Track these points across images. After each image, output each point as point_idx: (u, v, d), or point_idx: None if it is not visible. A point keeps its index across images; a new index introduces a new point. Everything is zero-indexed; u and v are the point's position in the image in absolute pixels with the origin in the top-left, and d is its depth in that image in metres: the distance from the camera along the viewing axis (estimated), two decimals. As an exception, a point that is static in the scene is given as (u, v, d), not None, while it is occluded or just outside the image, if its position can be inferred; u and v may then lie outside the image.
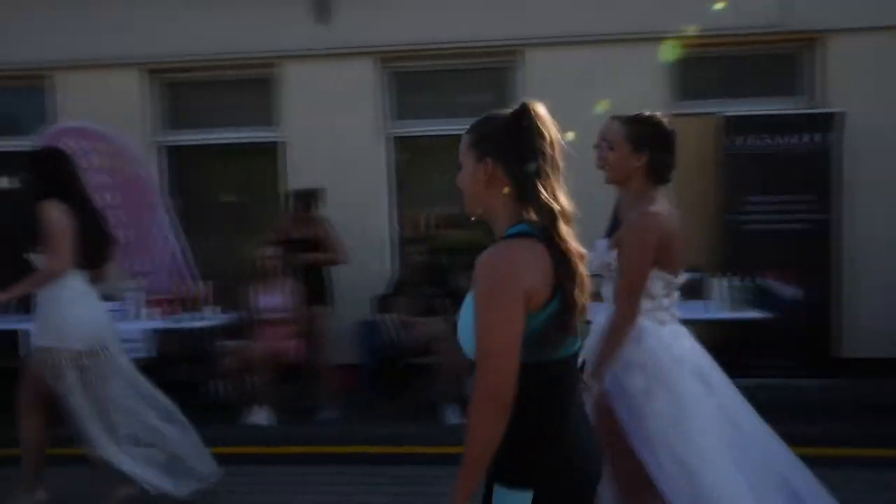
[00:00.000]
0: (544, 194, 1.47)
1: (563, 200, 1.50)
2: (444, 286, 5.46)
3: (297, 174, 6.07)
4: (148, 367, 4.54)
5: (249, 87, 6.56)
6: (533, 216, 1.48)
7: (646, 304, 2.36)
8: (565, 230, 1.49)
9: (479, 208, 1.58)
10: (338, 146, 6.11)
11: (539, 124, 1.49)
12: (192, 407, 3.80)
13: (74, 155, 5.44)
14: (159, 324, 5.46)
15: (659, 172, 2.40)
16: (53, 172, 3.39)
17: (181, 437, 3.55)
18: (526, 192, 1.48)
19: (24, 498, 3.36)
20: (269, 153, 6.39)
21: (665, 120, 2.45)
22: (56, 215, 3.21)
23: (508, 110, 1.54)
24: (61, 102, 6.39)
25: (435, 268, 5.70)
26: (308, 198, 5.45)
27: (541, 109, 1.51)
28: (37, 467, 3.40)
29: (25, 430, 3.37)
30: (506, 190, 1.50)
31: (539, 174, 1.47)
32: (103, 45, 6.25)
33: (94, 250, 3.37)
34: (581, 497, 1.52)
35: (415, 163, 6.76)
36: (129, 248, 5.52)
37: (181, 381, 5.26)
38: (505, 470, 1.46)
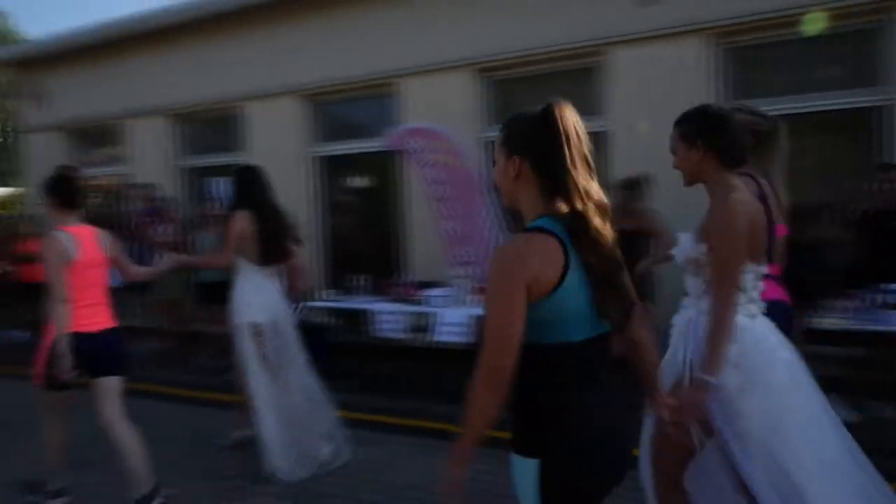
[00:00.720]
0: (572, 189, 1.59)
1: (592, 194, 1.61)
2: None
3: (627, 163, 5.81)
4: (469, 352, 4.82)
5: (573, 77, 6.53)
6: (563, 209, 1.60)
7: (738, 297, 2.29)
8: (597, 222, 1.61)
9: (512, 203, 1.71)
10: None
11: (564, 123, 1.59)
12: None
13: (418, 153, 6.00)
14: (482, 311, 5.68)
15: (723, 158, 2.33)
16: (246, 186, 4.19)
17: (319, 415, 4.17)
18: (553, 187, 1.61)
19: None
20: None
21: (714, 107, 2.47)
22: (239, 223, 4.04)
23: (536, 109, 1.65)
24: (405, 106, 7.08)
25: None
26: (633, 186, 5.13)
27: (566, 109, 1.62)
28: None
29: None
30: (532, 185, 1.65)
31: (566, 171, 1.59)
32: (439, 51, 6.79)
33: (271, 251, 4.15)
34: (591, 472, 1.63)
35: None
36: (458, 238, 5.88)
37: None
38: (518, 440, 1.64)
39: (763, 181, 2.75)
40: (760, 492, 2.20)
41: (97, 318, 3.59)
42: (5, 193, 17.06)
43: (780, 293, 2.81)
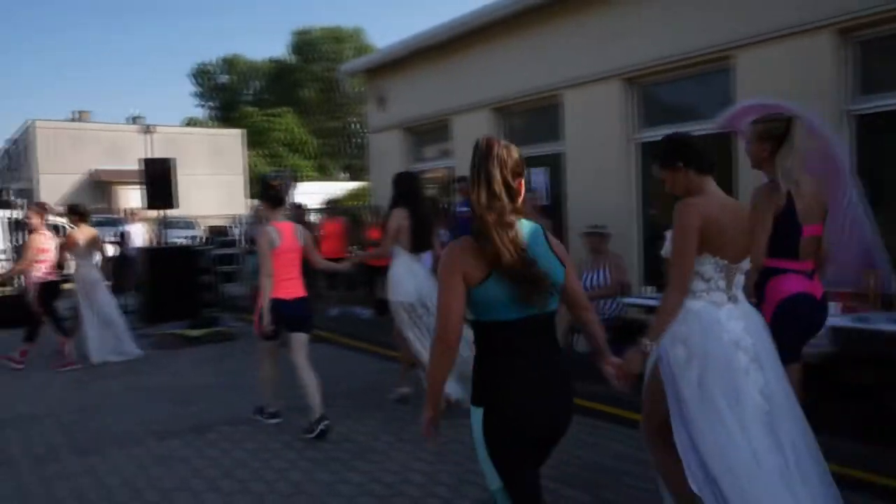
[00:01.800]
0: (482, 210, 2.09)
1: (506, 214, 2.07)
2: None
3: None
4: (822, 366, 4.16)
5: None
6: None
7: (699, 285, 2.67)
8: (504, 234, 2.06)
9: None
10: None
11: (494, 155, 2.12)
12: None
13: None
14: (839, 321, 4.72)
15: (700, 166, 2.72)
16: (404, 189, 5.15)
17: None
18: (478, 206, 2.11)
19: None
20: None
21: (674, 133, 2.91)
22: (396, 219, 5.03)
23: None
24: (742, 80, 6.24)
25: None
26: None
27: (493, 143, 2.15)
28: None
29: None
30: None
31: (488, 195, 2.09)
32: (787, 12, 5.80)
33: (420, 241, 5.08)
34: (518, 421, 2.11)
35: None
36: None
37: (860, 385, 4.61)
38: (472, 393, 2.17)
39: (791, 187, 3.09)
40: (683, 451, 2.57)
41: (292, 289, 4.81)
42: (357, 187, 19.64)
43: (805, 286, 3.16)
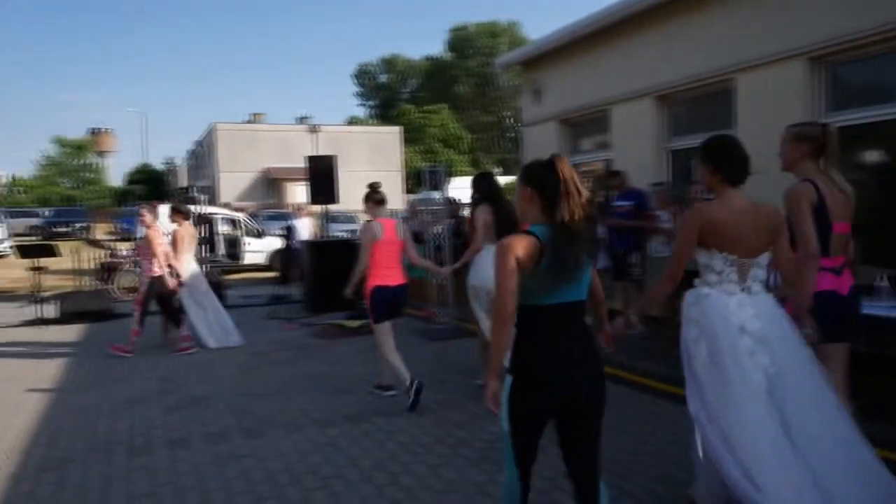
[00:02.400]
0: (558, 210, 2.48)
1: (567, 214, 2.46)
2: None
3: None
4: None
5: None
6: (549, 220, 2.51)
7: (711, 277, 3.09)
8: (571, 229, 2.47)
9: (523, 217, 2.66)
10: None
11: (558, 169, 2.52)
12: None
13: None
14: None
15: (726, 175, 3.11)
16: (486, 187, 5.66)
17: None
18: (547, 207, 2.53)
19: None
20: None
21: (717, 136, 3.31)
22: (482, 214, 5.50)
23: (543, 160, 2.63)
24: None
25: None
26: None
27: (560, 160, 2.57)
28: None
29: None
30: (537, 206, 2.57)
31: (556, 198, 2.49)
32: None
33: (502, 234, 4.76)
34: (537, 392, 2.49)
35: None
36: None
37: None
38: (510, 365, 2.55)
39: (822, 187, 3.38)
40: (696, 416, 2.96)
41: (394, 277, 5.45)
42: (510, 181, 19.54)
43: (832, 283, 3.42)
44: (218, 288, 11.53)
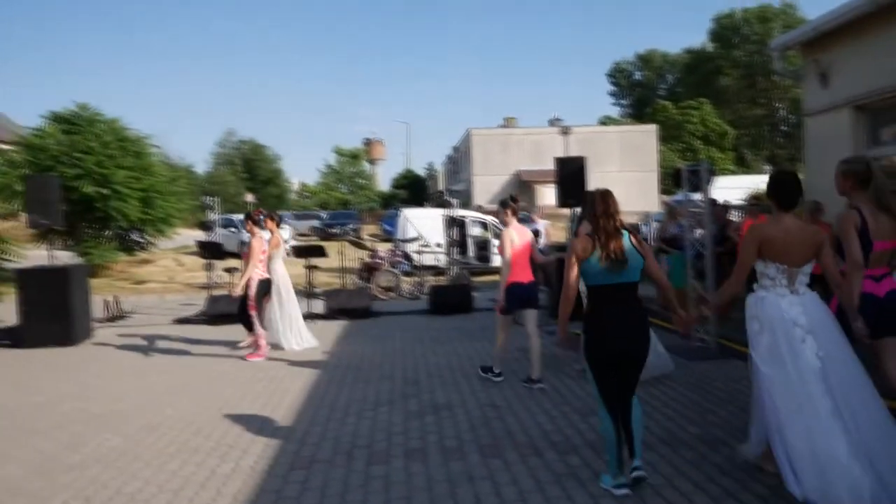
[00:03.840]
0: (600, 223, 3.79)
1: (608, 227, 3.75)
2: None
3: None
4: None
5: None
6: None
7: (766, 281, 3.86)
8: (607, 236, 3.74)
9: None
10: None
11: (598, 198, 3.87)
12: None
13: None
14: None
15: (778, 202, 3.92)
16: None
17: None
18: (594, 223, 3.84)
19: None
20: None
21: (777, 169, 4.72)
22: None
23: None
24: None
25: None
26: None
27: (602, 191, 3.92)
28: None
29: None
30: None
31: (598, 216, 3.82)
32: None
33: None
34: (604, 345, 3.73)
35: None
36: None
37: None
38: (583, 327, 3.81)
39: (865, 211, 4.22)
40: (759, 396, 3.81)
41: (525, 275, 6.30)
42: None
43: (871, 287, 4.23)
44: (467, 290, 11.72)
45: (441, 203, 12.48)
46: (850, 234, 4.18)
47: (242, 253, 8.92)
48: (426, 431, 5.12)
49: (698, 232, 8.27)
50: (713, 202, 8.94)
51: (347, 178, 64.16)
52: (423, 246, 14.91)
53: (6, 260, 12.32)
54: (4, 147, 22.21)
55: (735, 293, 4.09)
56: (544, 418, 5.32)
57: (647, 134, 43.28)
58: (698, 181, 8.18)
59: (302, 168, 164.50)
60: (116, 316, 11.77)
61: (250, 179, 61.15)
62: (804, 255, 3.79)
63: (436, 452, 4.66)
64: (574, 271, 3.77)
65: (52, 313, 9.36)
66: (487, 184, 41.74)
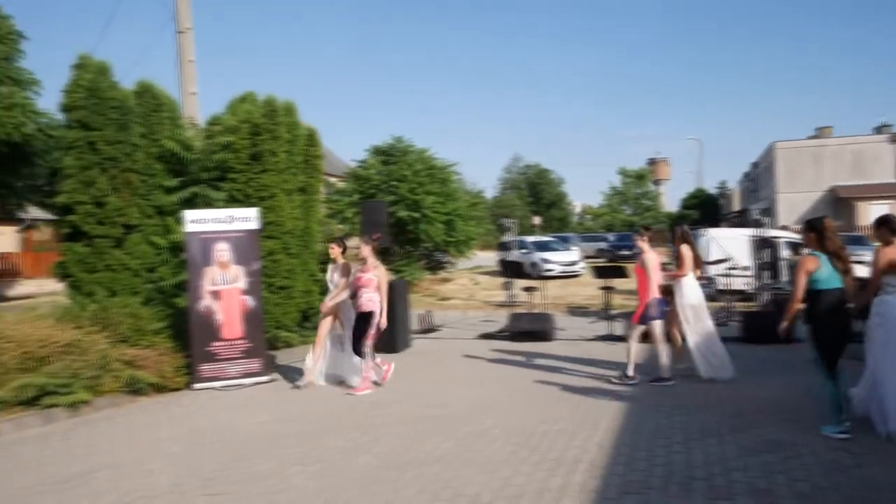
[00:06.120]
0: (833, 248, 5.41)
1: (842, 251, 5.40)
2: None
3: None
4: None
5: None
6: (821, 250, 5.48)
7: (889, 289, 5.35)
8: (837, 259, 5.38)
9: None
10: None
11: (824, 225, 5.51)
12: None
13: None
14: None
15: (878, 235, 5.60)
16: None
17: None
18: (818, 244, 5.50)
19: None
20: None
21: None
22: (686, 250, 7.83)
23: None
24: None
25: None
26: None
27: (823, 219, 5.59)
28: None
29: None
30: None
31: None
32: None
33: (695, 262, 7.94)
34: (829, 332, 5.30)
35: None
36: None
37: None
38: (808, 318, 5.43)
39: None
40: (872, 372, 5.46)
41: (659, 291, 7.43)
42: None
43: None
44: (774, 318, 10.51)
45: (745, 223, 11.47)
46: None
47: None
48: (769, 471, 4.59)
49: None
50: None
51: (632, 199, 62.82)
52: (731, 268, 13.80)
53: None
54: (332, 179, 25.78)
55: (871, 297, 5.53)
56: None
57: None
58: None
59: (583, 191, 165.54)
60: (429, 329, 12.79)
61: (535, 203, 63.06)
62: None
63: (790, 497, 4.13)
64: (802, 281, 5.32)
65: (380, 323, 10.47)
66: (793, 202, 37.59)
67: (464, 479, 4.60)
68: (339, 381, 7.96)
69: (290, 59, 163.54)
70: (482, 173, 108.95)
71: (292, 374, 8.47)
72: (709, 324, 7.74)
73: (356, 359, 7.74)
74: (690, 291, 7.74)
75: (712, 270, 14.88)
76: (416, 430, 5.86)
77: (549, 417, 6.20)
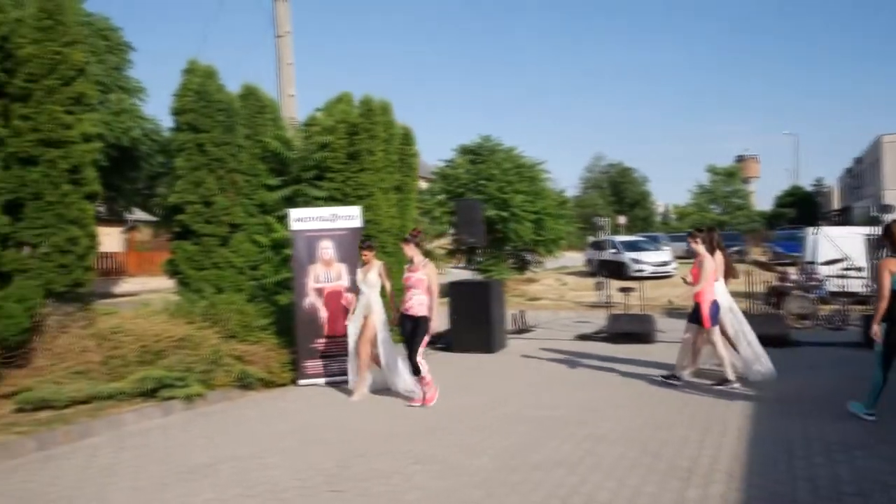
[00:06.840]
0: None
1: None
2: None
3: None
4: None
5: None
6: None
7: None
8: None
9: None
10: None
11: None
12: None
13: None
14: None
15: None
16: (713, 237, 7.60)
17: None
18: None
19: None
20: None
21: None
22: (709, 263, 7.44)
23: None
24: None
25: None
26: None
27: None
28: None
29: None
30: None
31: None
32: None
33: (727, 272, 7.98)
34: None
35: None
36: None
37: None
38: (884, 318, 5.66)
39: None
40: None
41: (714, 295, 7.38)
42: None
43: None
44: None
45: (848, 221, 10.76)
46: None
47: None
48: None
49: None
50: None
51: (721, 197, 60.50)
52: (846, 269, 12.97)
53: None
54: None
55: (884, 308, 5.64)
56: None
57: None
58: None
59: (668, 189, 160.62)
60: (523, 329, 12.59)
61: (617, 202, 61.61)
62: None
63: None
64: (887, 281, 5.54)
65: (475, 323, 10.37)
66: (902, 198, 35.18)
67: (592, 484, 4.39)
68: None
69: (365, 61, 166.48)
70: (562, 173, 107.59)
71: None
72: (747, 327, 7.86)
73: (408, 375, 7.15)
74: (720, 298, 7.52)
75: (825, 271, 14.03)
76: (529, 432, 5.69)
77: (664, 423, 5.90)
